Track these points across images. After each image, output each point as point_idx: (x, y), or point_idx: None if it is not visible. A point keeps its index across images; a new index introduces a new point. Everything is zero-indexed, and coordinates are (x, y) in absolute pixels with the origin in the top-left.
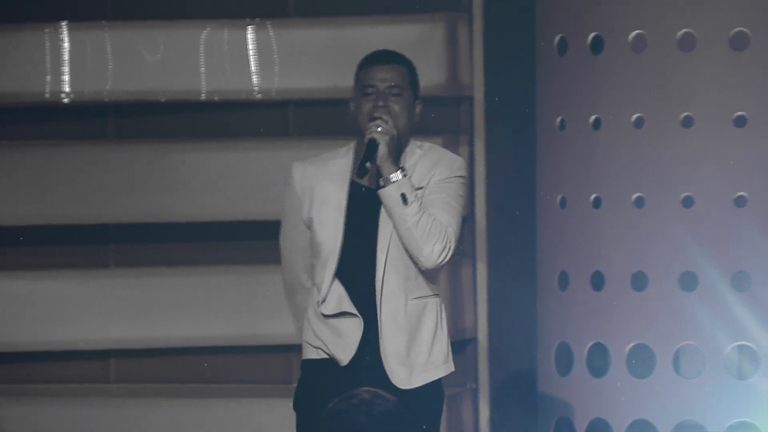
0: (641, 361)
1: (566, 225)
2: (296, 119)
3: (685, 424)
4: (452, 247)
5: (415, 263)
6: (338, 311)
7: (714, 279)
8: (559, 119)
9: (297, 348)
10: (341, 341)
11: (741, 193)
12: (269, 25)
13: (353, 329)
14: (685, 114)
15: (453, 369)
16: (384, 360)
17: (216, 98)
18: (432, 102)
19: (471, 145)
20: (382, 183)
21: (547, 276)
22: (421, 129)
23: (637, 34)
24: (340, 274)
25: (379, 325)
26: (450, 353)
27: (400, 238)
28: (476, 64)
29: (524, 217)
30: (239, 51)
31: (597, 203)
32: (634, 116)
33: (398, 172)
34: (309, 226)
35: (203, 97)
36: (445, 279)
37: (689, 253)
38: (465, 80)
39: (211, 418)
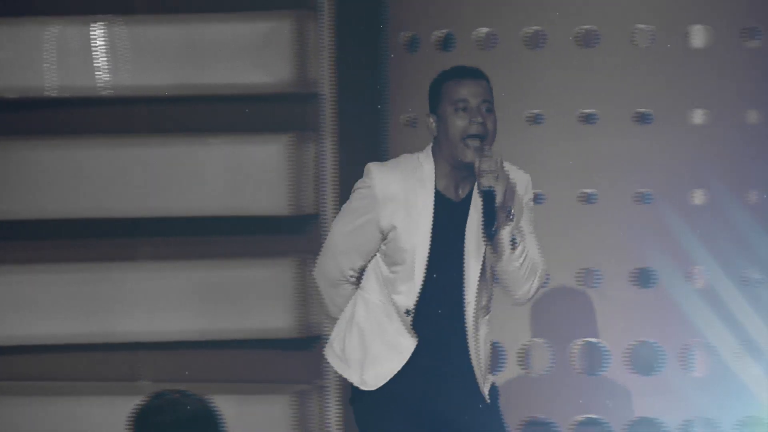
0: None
1: None
2: (146, 116)
3: (535, 422)
4: (546, 277)
5: (509, 294)
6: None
7: (561, 276)
8: (409, 117)
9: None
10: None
11: (588, 190)
12: (117, 22)
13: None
14: (534, 111)
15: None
16: (477, 374)
17: (64, 95)
18: (281, 99)
19: (319, 142)
20: (489, 230)
21: None
22: (270, 126)
23: (488, 32)
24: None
25: (468, 339)
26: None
27: (501, 275)
28: (325, 61)
29: None
30: (86, 47)
31: None
32: None
33: (509, 216)
34: (388, 231)
35: (51, 93)
36: (291, 275)
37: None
38: (314, 77)
39: (53, 417)
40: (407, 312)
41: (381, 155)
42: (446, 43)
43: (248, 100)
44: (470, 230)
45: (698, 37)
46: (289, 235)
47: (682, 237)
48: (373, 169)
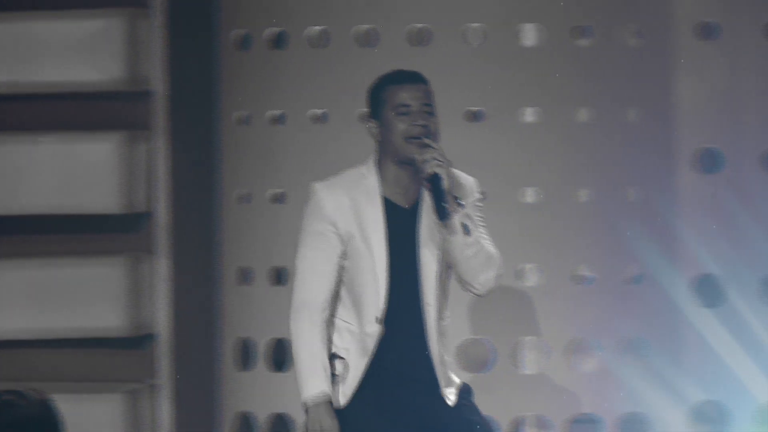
0: None
1: (249, 220)
2: None
3: None
4: (503, 272)
5: (467, 289)
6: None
7: None
8: (242, 114)
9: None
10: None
11: None
12: None
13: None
14: (365, 109)
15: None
16: (439, 383)
17: None
18: (112, 97)
19: (151, 140)
20: (440, 216)
21: (229, 271)
22: (101, 124)
23: (320, 30)
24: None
25: (430, 344)
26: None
27: (456, 266)
28: (157, 59)
29: (208, 212)
30: None
31: (281, 198)
32: (319, 111)
33: (457, 202)
34: (348, 239)
35: None
36: (123, 274)
37: None
38: (146, 75)
39: None
40: (377, 320)
41: (214, 153)
42: (279, 42)
43: (80, 98)
44: (423, 235)
45: (529, 35)
46: (122, 233)
47: (513, 235)
48: (318, 187)
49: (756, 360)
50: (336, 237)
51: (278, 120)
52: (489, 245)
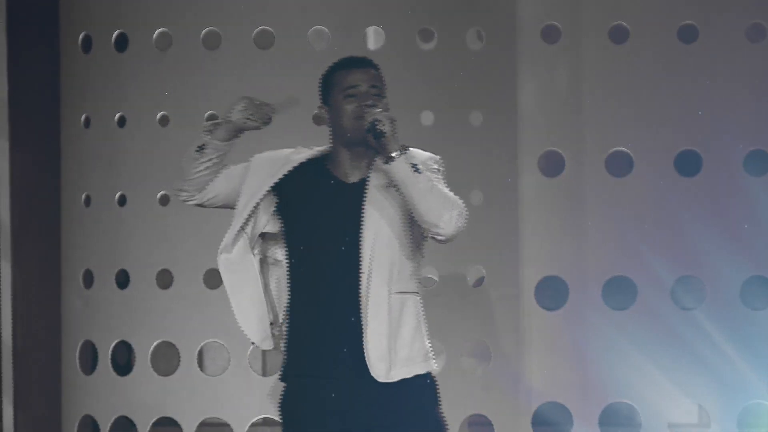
0: (167, 358)
1: (91, 223)
2: None
3: (208, 422)
4: (466, 213)
5: (432, 234)
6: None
7: None
8: (84, 117)
9: None
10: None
11: None
12: None
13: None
14: (210, 112)
15: (436, 368)
16: (366, 354)
17: None
18: None
19: None
20: (387, 160)
21: (71, 274)
22: None
23: (162, 32)
24: (320, 270)
25: (363, 318)
26: (431, 353)
27: (415, 209)
28: None
29: (50, 215)
30: None
31: (121, 201)
32: (159, 114)
33: (402, 147)
34: (277, 218)
35: None
36: None
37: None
38: None
39: None
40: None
41: (56, 156)
42: (120, 44)
43: None
44: (368, 207)
45: (374, 38)
46: None
47: None
48: (254, 158)
49: (599, 362)
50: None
51: (119, 123)
52: (448, 193)
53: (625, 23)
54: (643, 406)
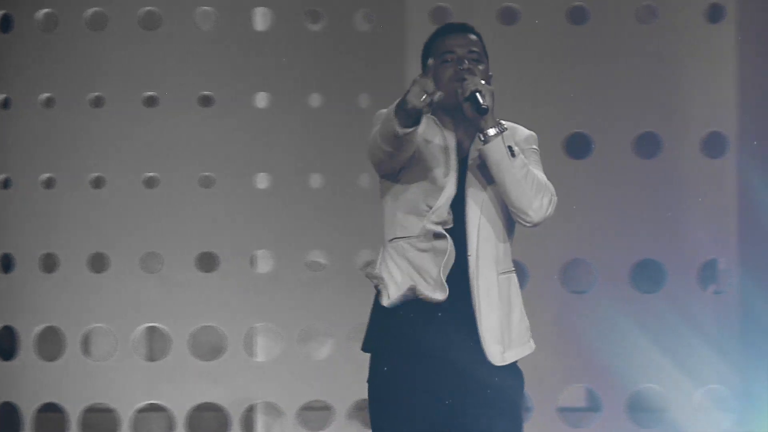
0: (52, 343)
1: (12, 206)
2: None
3: (95, 408)
4: (556, 200)
5: (521, 220)
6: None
7: (124, 261)
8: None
9: None
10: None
11: (150, 174)
12: None
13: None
14: (96, 94)
15: (534, 347)
16: (481, 336)
17: None
18: None
19: None
20: (482, 138)
21: None
22: None
23: (47, 13)
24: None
25: (474, 300)
26: (530, 332)
27: (506, 193)
28: None
29: None
30: None
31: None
32: (45, 96)
33: (500, 126)
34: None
35: None
36: None
37: (99, 234)
38: None
39: None
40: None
41: None
42: (5, 24)
43: None
44: (470, 182)
45: (261, 19)
46: None
47: (245, 221)
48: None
49: None
50: None
51: (3, 104)
52: (542, 178)
53: (514, 5)
54: (533, 392)
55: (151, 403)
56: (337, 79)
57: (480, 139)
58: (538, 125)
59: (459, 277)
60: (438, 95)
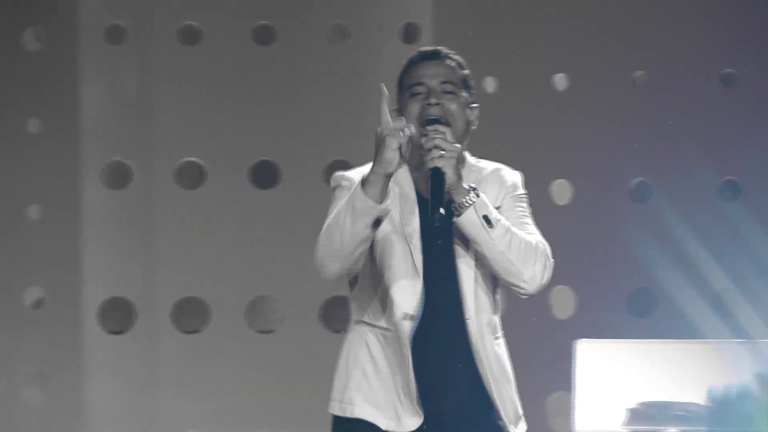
0: None
1: None
2: None
3: None
4: (552, 263)
5: (514, 292)
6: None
7: None
8: None
9: None
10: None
11: None
12: None
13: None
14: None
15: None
16: (502, 416)
17: None
18: None
19: None
20: (455, 211)
21: None
22: None
23: None
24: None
25: (481, 369)
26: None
27: (492, 266)
28: None
29: None
30: None
31: None
32: None
33: (471, 193)
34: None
35: None
36: None
37: None
38: None
39: None
40: (408, 317)
41: None
42: None
43: None
44: (457, 237)
45: None
46: None
47: None
48: (341, 172)
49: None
50: None
51: None
52: (531, 238)
53: (195, 23)
54: None
55: None
56: (3, 102)
57: (454, 213)
58: (221, 152)
59: (461, 340)
60: (410, 130)
